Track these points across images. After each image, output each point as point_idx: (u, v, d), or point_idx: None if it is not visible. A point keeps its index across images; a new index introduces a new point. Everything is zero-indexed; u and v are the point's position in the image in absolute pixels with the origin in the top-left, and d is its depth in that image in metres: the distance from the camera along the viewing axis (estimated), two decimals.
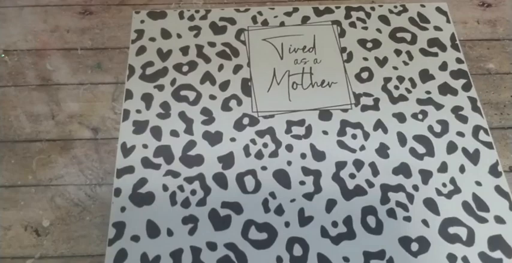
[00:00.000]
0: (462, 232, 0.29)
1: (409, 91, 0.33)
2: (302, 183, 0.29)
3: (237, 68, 0.32)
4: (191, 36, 0.33)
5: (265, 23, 0.33)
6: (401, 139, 0.31)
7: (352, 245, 0.28)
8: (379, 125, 0.31)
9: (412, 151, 0.31)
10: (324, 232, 0.29)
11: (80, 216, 0.28)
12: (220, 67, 0.32)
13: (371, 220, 0.29)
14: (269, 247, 0.28)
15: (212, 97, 0.31)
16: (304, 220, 0.29)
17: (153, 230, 0.28)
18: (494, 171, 0.30)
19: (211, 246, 0.28)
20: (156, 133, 0.30)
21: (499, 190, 0.30)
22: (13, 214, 0.28)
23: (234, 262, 0.27)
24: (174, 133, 0.30)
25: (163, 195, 0.28)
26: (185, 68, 0.33)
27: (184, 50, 0.33)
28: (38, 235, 0.27)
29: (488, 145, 0.31)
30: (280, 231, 0.28)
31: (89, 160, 0.30)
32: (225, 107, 0.30)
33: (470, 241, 0.29)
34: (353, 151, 0.30)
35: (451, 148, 0.31)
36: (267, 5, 0.35)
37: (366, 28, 0.35)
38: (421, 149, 0.31)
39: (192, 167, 0.29)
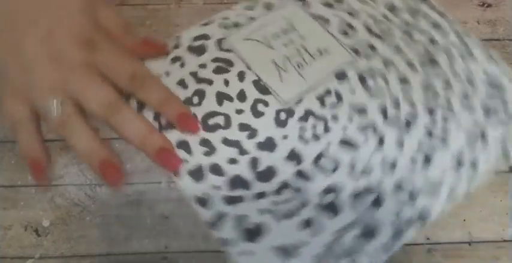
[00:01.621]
0: None
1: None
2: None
3: (241, 75, 0.32)
4: (178, 68, 0.33)
5: (236, 24, 0.33)
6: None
7: None
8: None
9: None
10: None
11: (80, 216, 0.28)
12: (226, 82, 0.31)
13: None
14: None
15: (239, 112, 0.30)
16: None
17: None
18: None
19: None
20: None
21: None
22: (13, 214, 0.28)
23: None
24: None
25: None
26: (195, 100, 0.32)
27: (182, 84, 0.32)
28: (38, 235, 0.28)
29: None
30: None
31: None
32: (256, 113, 0.30)
33: None
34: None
35: None
36: (232, 9, 0.35)
37: None
38: None
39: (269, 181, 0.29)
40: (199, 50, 0.33)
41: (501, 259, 0.27)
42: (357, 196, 0.28)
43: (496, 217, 0.29)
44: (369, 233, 0.27)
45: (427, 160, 0.29)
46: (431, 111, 0.31)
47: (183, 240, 0.28)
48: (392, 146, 0.30)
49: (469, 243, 0.28)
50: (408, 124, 0.31)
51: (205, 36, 0.34)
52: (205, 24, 0.33)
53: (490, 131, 0.29)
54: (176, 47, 0.33)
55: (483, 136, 0.30)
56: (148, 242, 0.28)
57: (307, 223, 0.27)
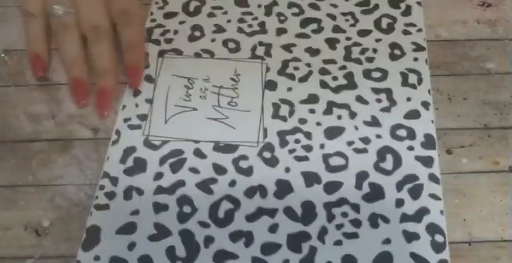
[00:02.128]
0: None
1: None
2: None
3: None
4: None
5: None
6: None
7: None
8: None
9: None
10: None
11: (80, 216, 0.28)
12: None
13: None
14: None
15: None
16: None
17: None
18: None
19: None
20: None
21: None
22: (13, 214, 0.28)
23: None
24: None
25: None
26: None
27: None
28: (38, 235, 0.27)
29: None
30: None
31: (89, 160, 0.30)
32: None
33: None
34: None
35: None
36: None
37: None
38: None
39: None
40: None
41: (501, 259, 0.27)
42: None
43: (496, 217, 0.29)
44: None
45: None
46: None
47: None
48: None
49: (469, 243, 0.28)
50: None
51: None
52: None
53: None
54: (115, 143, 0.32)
55: None
56: None
57: None
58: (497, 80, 0.35)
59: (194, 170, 0.31)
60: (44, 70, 0.33)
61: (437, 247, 0.28)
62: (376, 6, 0.39)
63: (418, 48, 0.36)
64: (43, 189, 0.30)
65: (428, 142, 0.32)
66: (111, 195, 0.29)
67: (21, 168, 0.31)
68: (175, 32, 0.37)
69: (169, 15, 0.38)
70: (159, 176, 0.30)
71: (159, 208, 0.29)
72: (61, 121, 0.33)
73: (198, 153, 0.31)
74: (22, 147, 0.32)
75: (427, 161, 0.31)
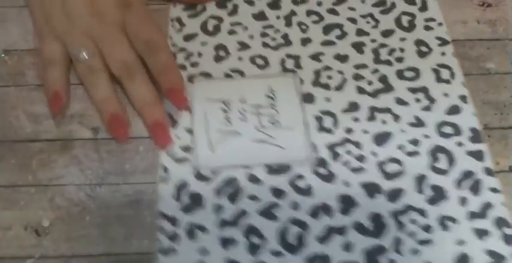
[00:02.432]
0: None
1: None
2: None
3: None
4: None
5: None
6: None
7: None
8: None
9: None
10: None
11: (80, 216, 0.28)
12: None
13: None
14: None
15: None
16: None
17: None
18: None
19: None
20: None
21: None
22: (13, 213, 0.28)
23: None
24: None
25: None
26: None
27: None
28: (38, 235, 0.27)
29: None
30: None
31: (89, 160, 0.30)
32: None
33: None
34: None
35: None
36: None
37: None
38: None
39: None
40: None
41: None
42: None
43: None
44: None
45: None
46: None
47: None
48: None
49: None
50: None
51: None
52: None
53: None
54: None
55: None
56: (149, 242, 0.28)
57: None
58: (497, 80, 0.35)
59: (253, 198, 0.29)
60: (62, 108, 0.31)
61: (509, 240, 0.28)
62: (393, 5, 0.38)
63: (443, 42, 0.36)
64: (43, 189, 0.30)
65: (475, 136, 0.32)
66: (174, 237, 0.28)
67: (21, 168, 0.30)
68: (199, 54, 0.35)
69: (189, 38, 0.36)
70: (218, 209, 0.29)
71: (227, 242, 0.28)
72: (61, 121, 0.32)
73: (253, 179, 0.30)
74: (22, 147, 0.31)
75: (478, 155, 0.31)
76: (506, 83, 0.35)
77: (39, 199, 0.29)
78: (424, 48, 0.36)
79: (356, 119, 0.33)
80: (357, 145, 0.32)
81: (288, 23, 0.37)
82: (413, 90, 0.34)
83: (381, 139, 0.32)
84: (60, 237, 0.28)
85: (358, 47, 0.36)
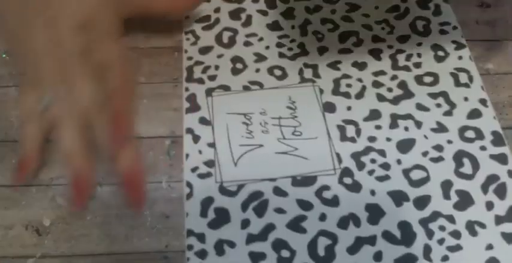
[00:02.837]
0: None
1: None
2: None
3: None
4: None
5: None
6: None
7: None
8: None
9: None
10: None
11: (80, 215, 0.28)
12: None
13: None
14: None
15: None
16: None
17: None
18: None
19: None
20: None
21: None
22: (14, 213, 0.28)
23: None
24: None
25: None
26: None
27: None
28: (39, 234, 0.27)
29: None
30: None
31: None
32: None
33: None
34: None
35: None
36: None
37: None
38: None
39: None
40: None
41: None
42: None
43: None
44: None
45: None
46: None
47: (183, 239, 0.28)
48: None
49: None
50: None
51: None
52: None
53: None
54: None
55: None
56: (149, 241, 0.28)
57: None
58: (497, 80, 0.35)
59: (280, 211, 0.29)
60: (25, 177, 0.28)
61: None
62: (407, 10, 0.38)
63: (459, 46, 0.36)
64: (44, 189, 0.30)
65: (497, 139, 0.32)
66: (202, 254, 0.27)
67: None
68: (217, 67, 0.35)
69: (204, 50, 0.36)
70: (246, 223, 0.29)
71: (256, 257, 0.28)
72: None
73: (278, 191, 0.30)
74: None
75: (502, 159, 0.31)
76: (506, 83, 0.35)
77: (40, 198, 0.29)
78: (440, 53, 0.36)
79: (378, 127, 0.33)
80: (381, 153, 0.31)
81: (304, 33, 0.37)
82: (433, 96, 0.34)
83: (405, 146, 0.32)
84: (61, 236, 0.28)
85: (375, 53, 0.36)
